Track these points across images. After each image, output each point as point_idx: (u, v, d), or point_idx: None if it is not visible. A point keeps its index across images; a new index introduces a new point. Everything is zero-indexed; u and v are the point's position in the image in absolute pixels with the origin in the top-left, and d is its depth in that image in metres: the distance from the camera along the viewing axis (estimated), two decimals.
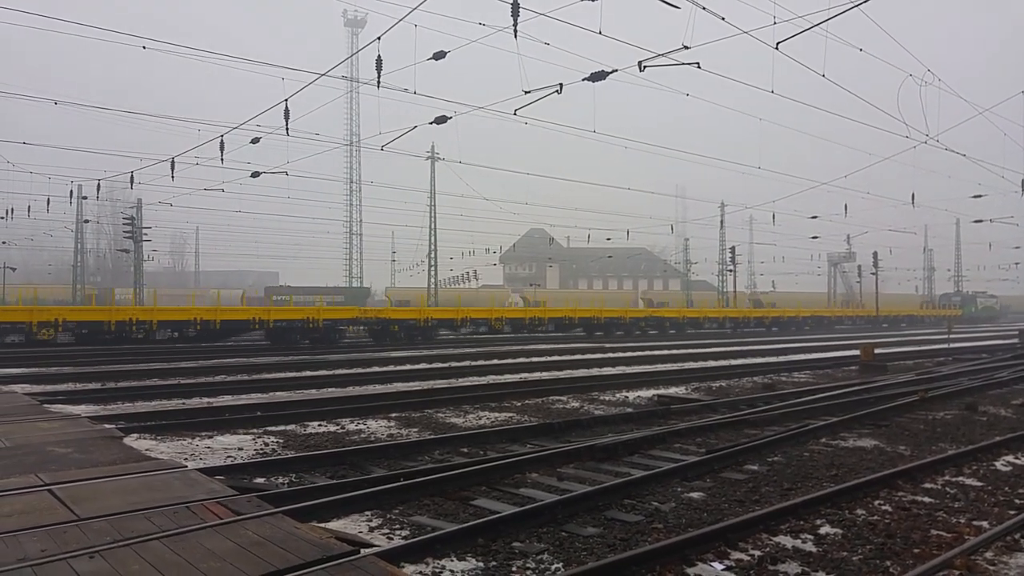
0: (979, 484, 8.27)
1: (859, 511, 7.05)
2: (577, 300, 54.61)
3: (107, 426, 9.73)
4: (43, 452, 7.57)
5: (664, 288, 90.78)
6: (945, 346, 32.85)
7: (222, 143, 19.30)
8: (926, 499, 7.55)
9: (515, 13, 11.45)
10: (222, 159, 19.60)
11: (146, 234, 50.79)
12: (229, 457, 9.32)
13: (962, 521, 6.81)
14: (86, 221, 58.31)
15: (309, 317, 31.68)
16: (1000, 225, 43.35)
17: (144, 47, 17.57)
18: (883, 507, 7.23)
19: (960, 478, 8.52)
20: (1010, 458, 9.68)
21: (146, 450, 8.77)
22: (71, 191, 38.49)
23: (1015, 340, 37.70)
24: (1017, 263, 76.70)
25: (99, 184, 31.75)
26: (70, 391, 15.07)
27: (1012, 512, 7.06)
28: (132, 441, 9.45)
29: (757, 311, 54.85)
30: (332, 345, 31.40)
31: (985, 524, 6.69)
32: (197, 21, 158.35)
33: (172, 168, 22.51)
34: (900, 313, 71.99)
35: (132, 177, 27.06)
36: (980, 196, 33.90)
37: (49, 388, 15.53)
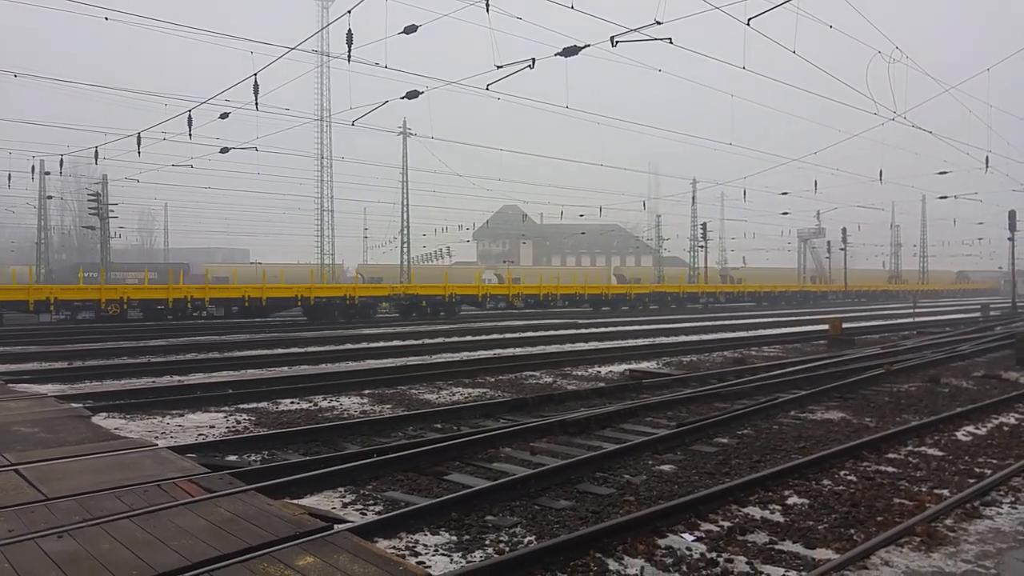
0: (940, 454, 8.49)
1: (826, 482, 7.21)
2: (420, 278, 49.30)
3: (75, 405, 9.61)
4: (8, 432, 7.46)
5: (636, 264, 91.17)
6: (910, 320, 33.54)
7: (190, 118, 18.94)
8: (890, 469, 7.75)
9: None
10: (190, 134, 19.25)
11: (112, 211, 49.76)
12: (201, 435, 9.25)
13: (924, 490, 7.00)
14: (49, 197, 56.94)
15: None
16: (964, 201, 44.11)
17: (107, 18, 17.08)
18: (848, 477, 7.40)
19: (922, 448, 8.74)
20: (970, 428, 9.95)
21: (115, 429, 8.67)
22: (33, 166, 37.61)
23: (978, 314, 38.61)
24: (980, 238, 78.34)
25: (62, 159, 31.05)
26: (36, 370, 14.81)
27: (971, 480, 7.27)
28: (101, 420, 9.34)
29: (621, 287, 50.83)
30: None
31: (946, 492, 6.89)
32: None
33: (138, 143, 22.11)
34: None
35: (97, 152, 26.45)
36: (945, 173, 34.38)
37: (14, 367, 15.25)
